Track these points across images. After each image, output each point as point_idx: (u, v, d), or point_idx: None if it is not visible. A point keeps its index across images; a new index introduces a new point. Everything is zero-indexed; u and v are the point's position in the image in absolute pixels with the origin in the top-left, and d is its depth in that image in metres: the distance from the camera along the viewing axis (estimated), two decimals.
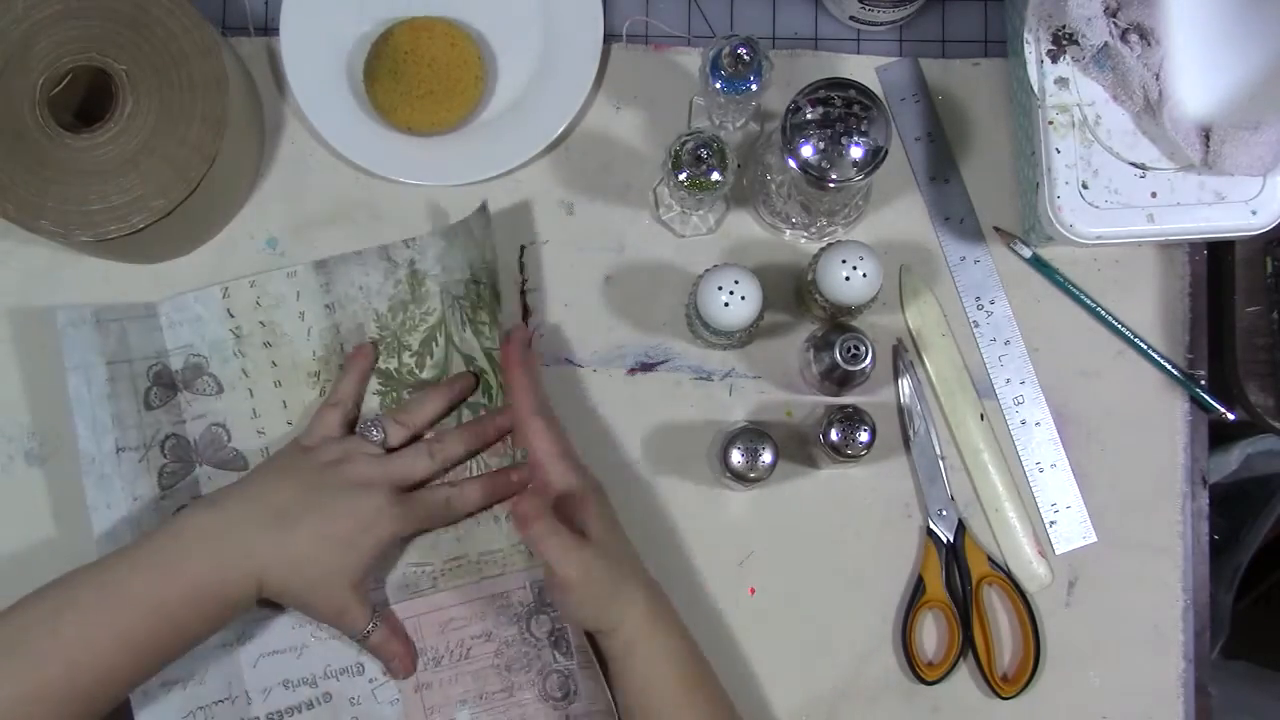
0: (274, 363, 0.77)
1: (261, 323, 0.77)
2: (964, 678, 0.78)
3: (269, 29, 0.81)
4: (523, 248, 0.80)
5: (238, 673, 0.74)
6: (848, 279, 0.71)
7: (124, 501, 0.74)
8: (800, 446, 0.78)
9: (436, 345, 0.77)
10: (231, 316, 0.77)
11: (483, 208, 0.76)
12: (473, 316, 0.77)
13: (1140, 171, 0.74)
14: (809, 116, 0.69)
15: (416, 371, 0.77)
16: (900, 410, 0.79)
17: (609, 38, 0.80)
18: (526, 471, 0.74)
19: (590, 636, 0.73)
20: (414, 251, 0.78)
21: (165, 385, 0.77)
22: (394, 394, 0.77)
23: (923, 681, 0.77)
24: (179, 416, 0.77)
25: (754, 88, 0.72)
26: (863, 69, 0.81)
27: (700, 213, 0.79)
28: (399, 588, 0.75)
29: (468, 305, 0.77)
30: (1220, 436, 0.89)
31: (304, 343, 0.78)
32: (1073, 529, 0.79)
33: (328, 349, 0.78)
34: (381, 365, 0.77)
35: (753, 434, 0.73)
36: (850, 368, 0.72)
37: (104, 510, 0.74)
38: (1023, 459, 0.79)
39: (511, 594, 0.75)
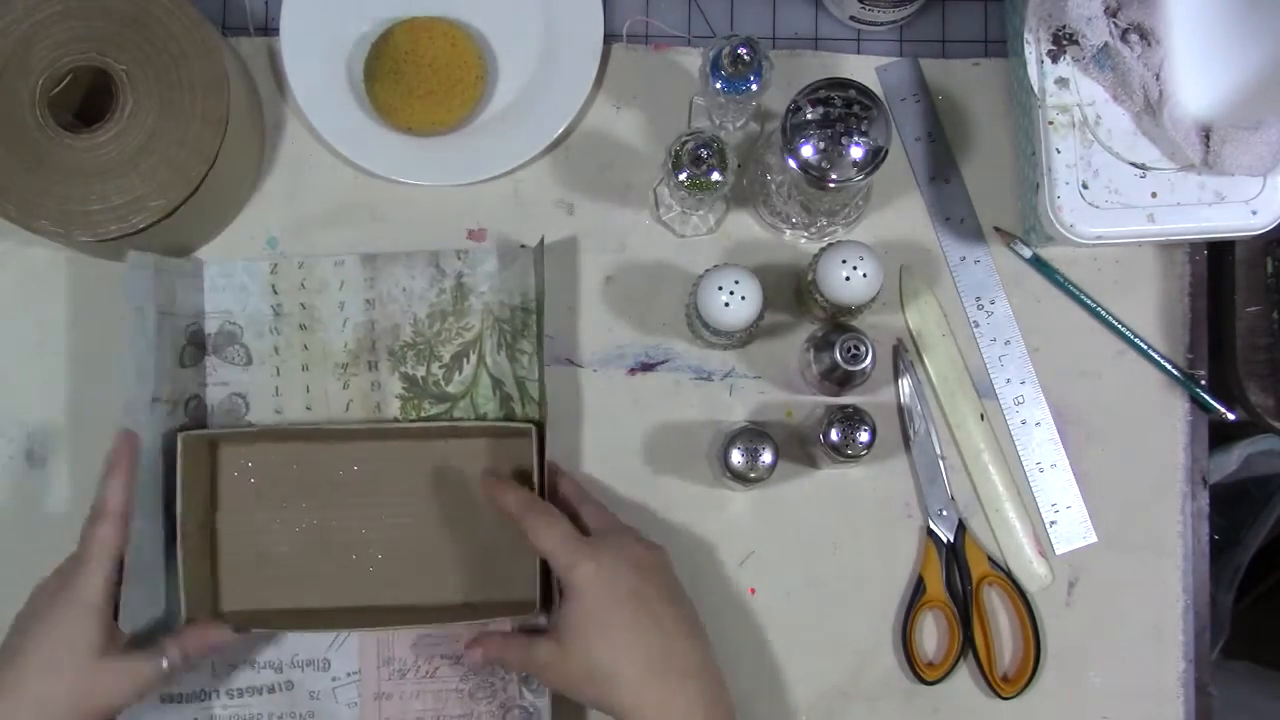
0: (306, 346, 0.78)
1: (302, 304, 0.78)
2: (964, 678, 0.78)
3: (269, 29, 0.81)
4: (523, 248, 0.80)
5: None
6: (848, 279, 0.71)
7: (150, 452, 0.73)
8: (800, 446, 0.78)
9: (468, 361, 0.77)
10: (275, 293, 0.78)
11: (540, 243, 0.76)
12: (512, 343, 0.77)
13: (1140, 171, 0.74)
14: (809, 116, 0.69)
15: (443, 384, 0.78)
16: (900, 410, 0.79)
17: (609, 38, 0.80)
18: None
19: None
20: (464, 264, 0.78)
21: (197, 345, 0.77)
22: (415, 401, 0.77)
23: (923, 681, 0.77)
24: (203, 379, 0.77)
25: (754, 88, 0.72)
26: (863, 69, 0.81)
27: (700, 213, 0.79)
28: None
29: (509, 331, 0.77)
30: (1220, 436, 0.89)
31: (338, 333, 0.78)
32: (1073, 529, 0.79)
33: (359, 343, 0.78)
34: (409, 371, 0.78)
35: (753, 434, 0.73)
36: (850, 368, 0.72)
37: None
38: (1023, 459, 0.79)
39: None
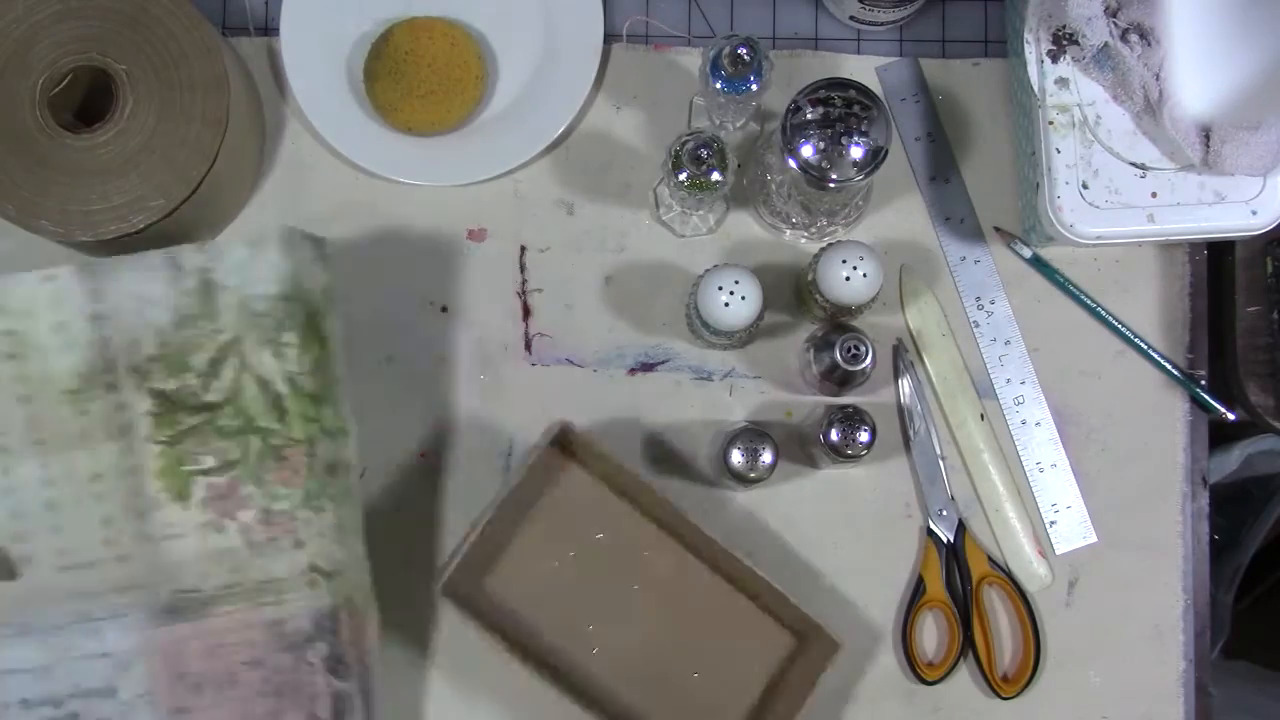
0: (21, 377, 0.69)
1: (6, 331, 0.69)
2: (964, 678, 0.78)
3: (269, 29, 0.81)
4: (523, 248, 0.80)
5: None
6: (848, 279, 0.71)
7: None
8: (800, 446, 0.78)
9: (226, 366, 0.69)
10: None
11: (318, 239, 0.70)
12: (275, 336, 0.69)
13: (1140, 171, 0.74)
14: (809, 116, 0.69)
15: (200, 394, 0.69)
16: (900, 410, 0.79)
17: (609, 38, 0.80)
18: None
19: None
20: (207, 258, 0.69)
21: None
22: (169, 417, 0.70)
23: (923, 681, 0.77)
24: None
25: (754, 88, 0.72)
26: (863, 69, 0.81)
27: (700, 213, 0.79)
28: (162, 612, 0.70)
29: (270, 323, 0.69)
30: (1220, 436, 0.89)
31: (60, 356, 0.69)
32: (1073, 529, 0.79)
33: (91, 367, 0.69)
34: (158, 386, 0.69)
35: (753, 434, 0.73)
36: (850, 368, 0.72)
37: None
38: (1023, 459, 0.79)
39: (287, 622, 0.71)
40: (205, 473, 0.70)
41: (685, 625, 0.77)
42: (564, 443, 0.76)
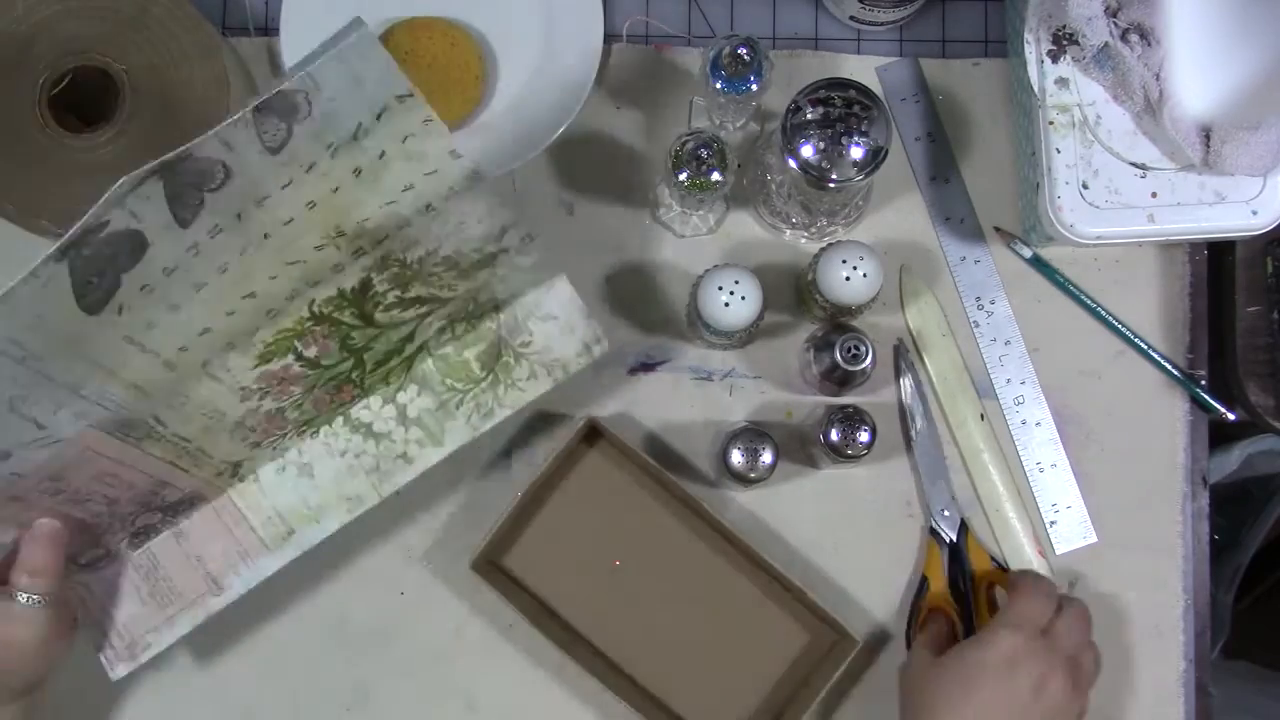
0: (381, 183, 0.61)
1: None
2: None
3: (269, 29, 0.81)
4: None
5: None
6: (848, 279, 0.72)
7: None
8: (800, 446, 0.78)
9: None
10: None
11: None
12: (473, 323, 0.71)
13: (1140, 171, 0.74)
14: (809, 116, 0.69)
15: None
16: (901, 409, 0.79)
17: (609, 38, 0.80)
18: None
19: None
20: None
21: None
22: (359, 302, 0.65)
23: None
24: None
25: (754, 88, 0.72)
26: (863, 69, 0.81)
27: (700, 213, 0.79)
28: (116, 426, 0.64)
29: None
30: (1220, 436, 0.89)
31: (382, 204, 0.62)
32: (1073, 529, 0.79)
33: (381, 227, 0.62)
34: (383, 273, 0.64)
35: (753, 434, 0.73)
36: (850, 368, 0.72)
37: None
38: (1023, 459, 0.79)
39: (165, 490, 0.69)
40: (298, 356, 0.67)
41: (702, 614, 0.77)
42: (590, 435, 0.77)
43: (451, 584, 0.78)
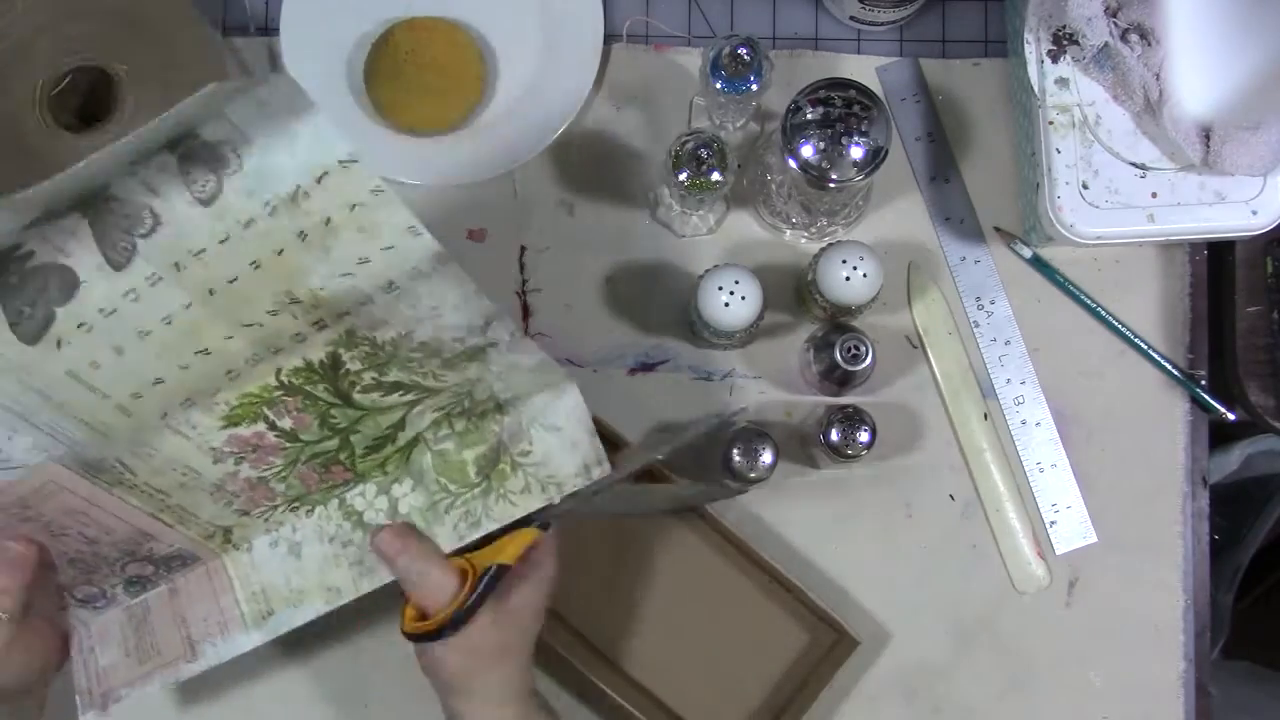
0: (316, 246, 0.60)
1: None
2: (965, 678, 0.78)
3: (269, 29, 0.81)
4: (523, 248, 0.80)
5: None
6: (848, 279, 0.72)
7: None
8: (800, 446, 0.78)
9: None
10: None
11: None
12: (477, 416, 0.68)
13: (1140, 171, 0.74)
14: (809, 116, 0.69)
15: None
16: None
17: (609, 38, 0.80)
18: None
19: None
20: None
21: None
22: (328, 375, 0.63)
23: None
24: None
25: (754, 88, 0.72)
26: (863, 69, 0.81)
27: (700, 213, 0.79)
28: (82, 466, 0.64)
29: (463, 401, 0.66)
30: (1220, 436, 0.89)
31: (336, 278, 0.61)
32: (1073, 529, 0.79)
33: (346, 299, 0.61)
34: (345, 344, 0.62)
35: (753, 434, 0.73)
36: (850, 368, 0.72)
37: None
38: (1023, 459, 0.79)
39: (155, 542, 0.68)
40: (270, 425, 0.65)
41: (702, 614, 0.77)
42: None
43: None
